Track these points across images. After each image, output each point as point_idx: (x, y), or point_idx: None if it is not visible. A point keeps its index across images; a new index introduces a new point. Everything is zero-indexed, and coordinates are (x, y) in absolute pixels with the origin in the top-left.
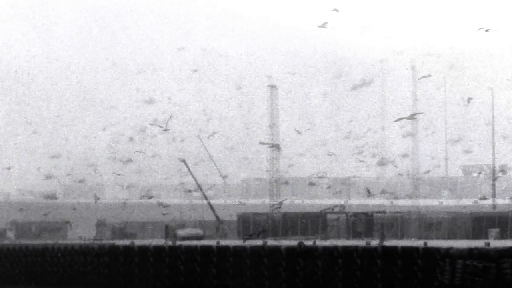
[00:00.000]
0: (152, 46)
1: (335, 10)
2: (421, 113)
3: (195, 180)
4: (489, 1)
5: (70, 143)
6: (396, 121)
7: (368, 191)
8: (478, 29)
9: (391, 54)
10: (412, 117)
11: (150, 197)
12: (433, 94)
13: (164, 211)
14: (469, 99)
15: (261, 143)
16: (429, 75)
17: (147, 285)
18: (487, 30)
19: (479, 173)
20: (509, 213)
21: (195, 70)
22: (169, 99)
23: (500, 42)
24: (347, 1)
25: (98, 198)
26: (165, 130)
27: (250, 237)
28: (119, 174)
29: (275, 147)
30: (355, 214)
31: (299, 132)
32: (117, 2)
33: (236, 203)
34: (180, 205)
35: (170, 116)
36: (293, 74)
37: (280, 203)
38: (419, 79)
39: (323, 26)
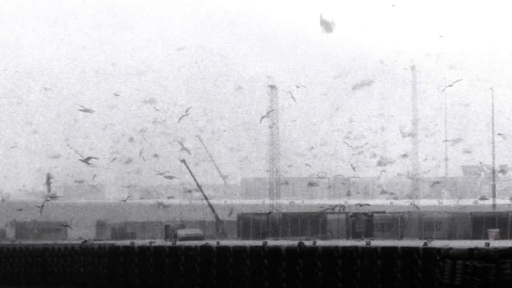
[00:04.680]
0: (152, 46)
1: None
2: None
3: (195, 180)
4: (489, 2)
5: (70, 143)
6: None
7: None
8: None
9: (391, 54)
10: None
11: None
12: (433, 94)
13: (164, 211)
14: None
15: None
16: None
17: (147, 285)
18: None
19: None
20: (509, 213)
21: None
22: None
23: (500, 42)
24: (347, 1)
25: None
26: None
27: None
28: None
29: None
30: (355, 214)
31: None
32: (117, 2)
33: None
34: (180, 205)
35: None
36: (298, 87)
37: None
38: (444, 88)
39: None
